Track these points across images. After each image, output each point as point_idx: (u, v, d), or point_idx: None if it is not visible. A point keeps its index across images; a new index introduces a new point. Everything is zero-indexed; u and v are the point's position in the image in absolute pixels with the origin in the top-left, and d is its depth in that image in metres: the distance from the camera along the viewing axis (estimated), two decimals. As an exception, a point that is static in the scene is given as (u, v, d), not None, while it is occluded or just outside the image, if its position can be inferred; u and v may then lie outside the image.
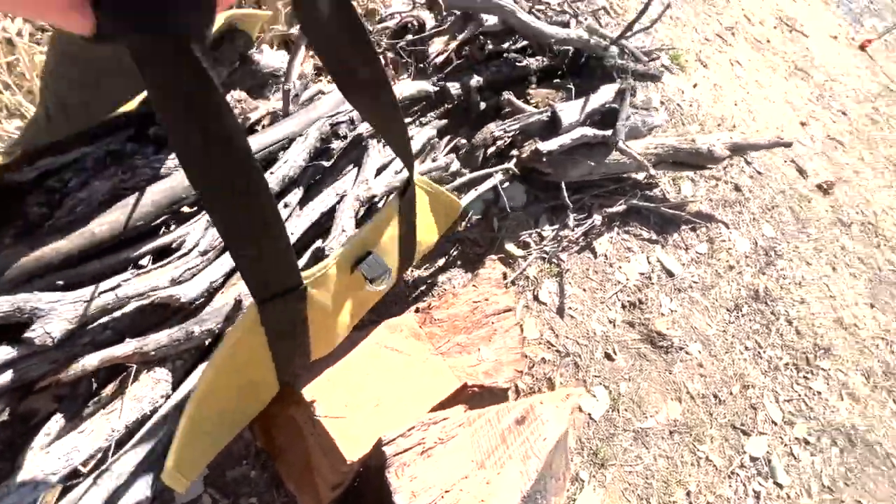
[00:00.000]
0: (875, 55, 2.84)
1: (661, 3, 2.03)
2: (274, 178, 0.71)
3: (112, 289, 0.56)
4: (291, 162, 0.71)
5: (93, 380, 0.57)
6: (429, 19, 1.27)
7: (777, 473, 1.18)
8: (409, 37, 1.26)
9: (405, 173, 0.80)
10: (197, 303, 0.62)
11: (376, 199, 0.86)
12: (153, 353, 0.57)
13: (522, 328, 1.12)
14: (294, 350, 0.64)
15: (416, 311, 0.96)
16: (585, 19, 1.42)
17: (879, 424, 1.38)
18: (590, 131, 1.23)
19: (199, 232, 0.64)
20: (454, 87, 1.10)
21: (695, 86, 1.96)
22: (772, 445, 1.21)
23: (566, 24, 1.33)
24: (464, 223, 1.18)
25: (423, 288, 1.07)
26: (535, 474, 0.77)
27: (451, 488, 0.69)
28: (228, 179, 0.38)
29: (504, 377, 0.97)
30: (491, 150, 1.13)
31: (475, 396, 0.93)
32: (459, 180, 1.03)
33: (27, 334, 0.49)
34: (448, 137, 1.06)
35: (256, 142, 0.73)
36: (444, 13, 1.12)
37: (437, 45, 1.10)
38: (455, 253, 1.13)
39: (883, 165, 2.20)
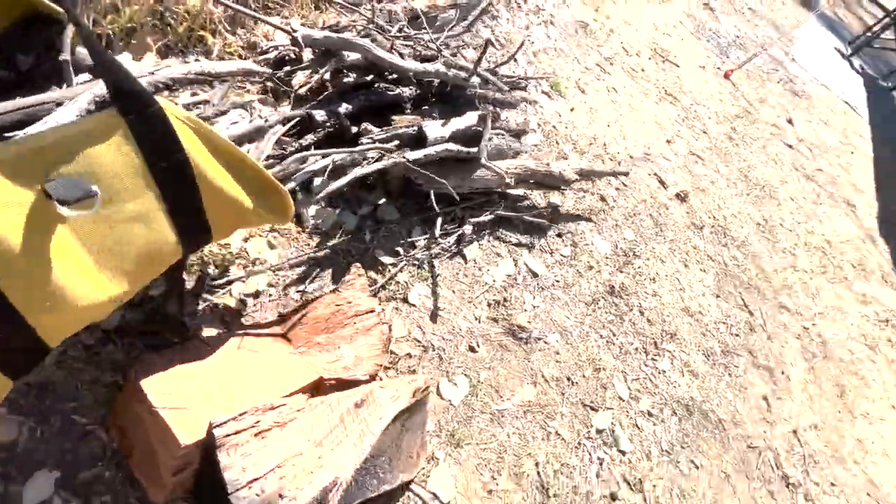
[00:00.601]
0: (737, 83, 3.30)
1: (528, 40, 2.29)
2: (33, 129, 0.61)
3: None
4: (56, 119, 0.63)
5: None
6: (307, 52, 1.41)
7: (620, 442, 1.36)
8: (287, 68, 1.39)
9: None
10: None
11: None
12: None
13: (391, 327, 1.24)
14: None
15: (279, 316, 1.07)
16: (454, 54, 1.61)
17: (714, 395, 1.62)
18: (454, 147, 1.40)
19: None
20: (320, 115, 1.23)
21: (572, 109, 2.22)
22: (617, 418, 1.40)
23: (432, 59, 1.51)
24: (338, 237, 1.30)
25: (293, 297, 1.17)
26: (370, 448, 0.89)
27: (283, 463, 0.79)
28: None
29: (363, 370, 1.09)
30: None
31: (334, 388, 1.04)
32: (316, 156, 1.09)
33: None
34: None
35: (15, 103, 0.64)
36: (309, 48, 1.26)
37: (300, 78, 1.23)
38: (326, 263, 1.25)
39: (736, 177, 2.56)
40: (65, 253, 0.58)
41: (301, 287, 1.19)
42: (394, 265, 1.32)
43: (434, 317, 1.32)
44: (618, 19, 2.94)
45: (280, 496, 0.78)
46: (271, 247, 1.19)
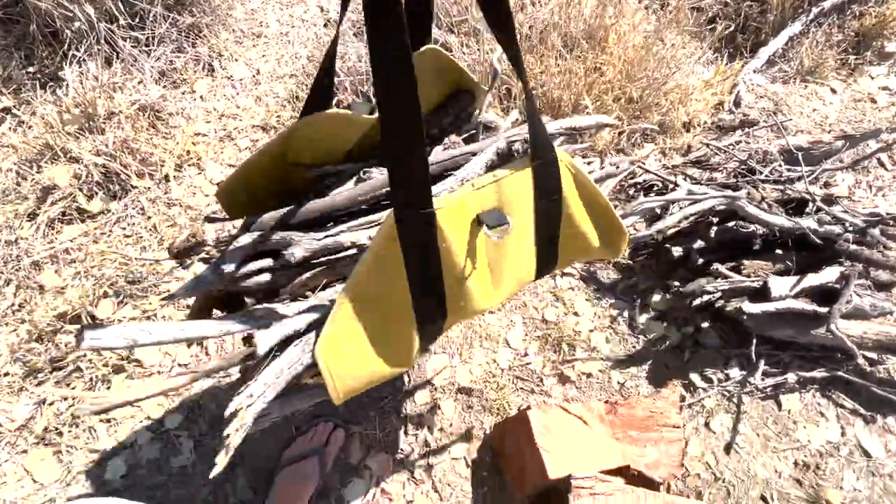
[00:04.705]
0: None
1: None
2: (454, 179, 0.81)
3: (334, 234, 0.80)
4: (469, 169, 0.82)
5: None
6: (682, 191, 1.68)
7: None
8: (653, 195, 1.71)
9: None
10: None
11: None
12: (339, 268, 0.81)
13: (687, 443, 1.43)
14: (428, 287, 0.69)
15: (606, 402, 1.41)
16: (828, 197, 1.58)
17: None
18: (799, 305, 1.42)
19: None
20: (676, 251, 1.49)
21: None
22: None
23: (804, 204, 1.53)
24: (659, 347, 1.55)
25: (617, 388, 1.50)
26: (662, 548, 1.13)
27: (602, 524, 1.13)
28: (394, 93, 0.53)
29: (660, 474, 1.32)
30: (697, 301, 1.48)
31: (634, 479, 1.32)
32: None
33: (283, 252, 0.75)
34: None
35: (447, 153, 0.88)
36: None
37: (667, 222, 1.52)
38: (647, 368, 1.52)
39: None
40: (480, 267, 0.73)
41: (626, 382, 1.51)
42: (704, 390, 1.48)
43: (728, 449, 1.42)
44: None
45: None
46: (607, 341, 1.55)
